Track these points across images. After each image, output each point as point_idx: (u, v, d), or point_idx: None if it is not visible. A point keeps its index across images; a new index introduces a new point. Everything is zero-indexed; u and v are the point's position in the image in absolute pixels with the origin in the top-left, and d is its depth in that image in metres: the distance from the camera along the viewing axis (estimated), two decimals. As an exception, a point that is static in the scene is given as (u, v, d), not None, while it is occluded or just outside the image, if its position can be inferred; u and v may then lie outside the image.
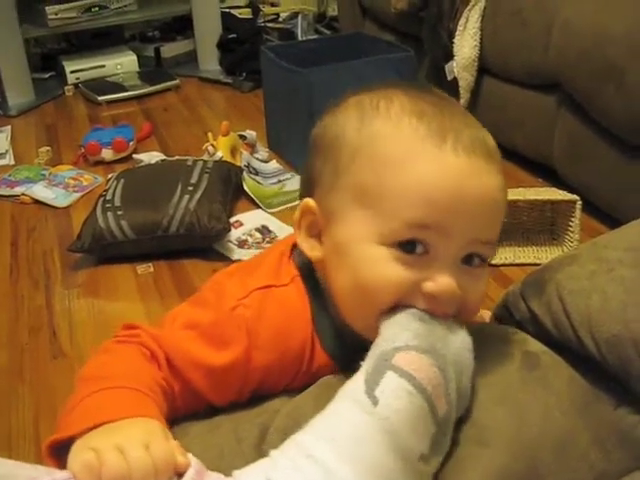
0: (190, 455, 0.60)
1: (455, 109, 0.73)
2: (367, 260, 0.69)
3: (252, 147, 2.63)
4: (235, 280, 0.78)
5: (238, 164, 2.46)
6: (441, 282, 0.67)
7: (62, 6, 3.42)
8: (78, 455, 0.59)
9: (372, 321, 0.69)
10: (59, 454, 0.61)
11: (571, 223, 1.90)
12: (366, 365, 0.62)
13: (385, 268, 0.68)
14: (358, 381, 0.61)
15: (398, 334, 0.64)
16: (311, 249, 0.74)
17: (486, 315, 0.90)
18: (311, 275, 0.76)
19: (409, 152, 0.68)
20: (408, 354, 0.62)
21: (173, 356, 0.70)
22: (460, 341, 0.67)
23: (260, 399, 0.71)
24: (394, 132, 0.69)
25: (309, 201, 0.74)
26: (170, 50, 3.78)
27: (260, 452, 0.61)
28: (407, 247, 0.67)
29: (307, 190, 0.76)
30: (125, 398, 0.64)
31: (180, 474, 0.58)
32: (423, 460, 0.59)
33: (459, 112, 0.73)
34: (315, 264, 0.76)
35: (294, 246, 0.79)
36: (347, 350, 0.73)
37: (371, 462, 0.56)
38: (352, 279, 0.70)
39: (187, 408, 0.71)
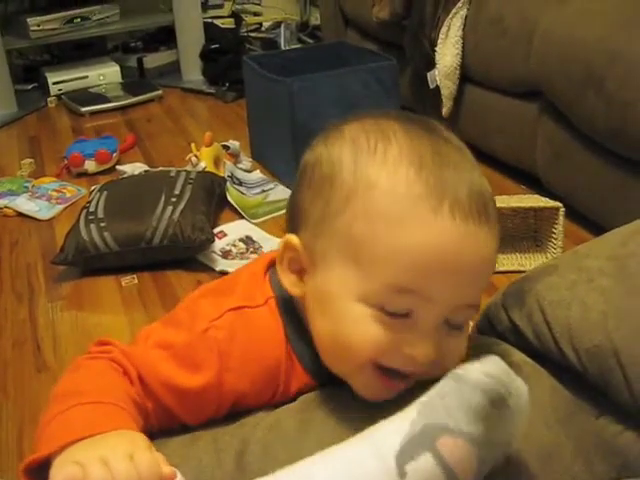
0: (175, 469, 0.59)
1: (453, 151, 0.70)
2: (347, 317, 0.67)
3: (235, 157, 2.63)
4: (209, 300, 0.77)
5: (222, 174, 2.45)
6: (419, 351, 0.66)
7: (44, 17, 3.41)
8: (61, 469, 0.58)
9: (348, 371, 0.69)
10: (39, 475, 0.60)
11: (554, 230, 1.90)
12: (411, 423, 0.58)
13: (365, 327, 0.66)
14: (391, 441, 0.57)
15: (455, 411, 0.58)
16: (292, 285, 0.73)
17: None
18: (287, 298, 0.75)
19: (404, 213, 0.65)
20: (455, 441, 0.57)
21: (145, 375, 0.69)
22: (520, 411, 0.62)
23: (240, 412, 0.71)
24: (390, 186, 0.65)
25: (292, 238, 0.72)
26: (153, 61, 3.78)
27: (240, 465, 0.61)
28: (390, 310, 0.66)
29: (293, 222, 0.74)
30: (103, 412, 0.63)
31: None
32: None
33: (456, 154, 0.70)
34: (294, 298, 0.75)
35: (271, 264, 0.78)
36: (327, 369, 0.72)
37: None
38: (331, 331, 0.69)
39: (161, 425, 0.70)
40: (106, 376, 0.68)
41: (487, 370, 0.60)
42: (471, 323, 0.72)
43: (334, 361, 0.71)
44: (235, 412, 0.72)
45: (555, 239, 1.91)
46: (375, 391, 0.69)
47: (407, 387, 0.68)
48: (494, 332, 0.79)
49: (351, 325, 0.67)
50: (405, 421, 0.58)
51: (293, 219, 0.74)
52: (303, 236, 0.71)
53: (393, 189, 0.65)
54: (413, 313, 0.66)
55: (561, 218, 1.88)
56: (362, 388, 0.69)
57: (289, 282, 0.73)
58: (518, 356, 0.74)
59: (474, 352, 0.74)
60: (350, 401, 0.68)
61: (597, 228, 1.92)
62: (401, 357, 0.66)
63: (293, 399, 0.73)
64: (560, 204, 1.89)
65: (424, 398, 0.60)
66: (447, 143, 0.71)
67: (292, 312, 0.74)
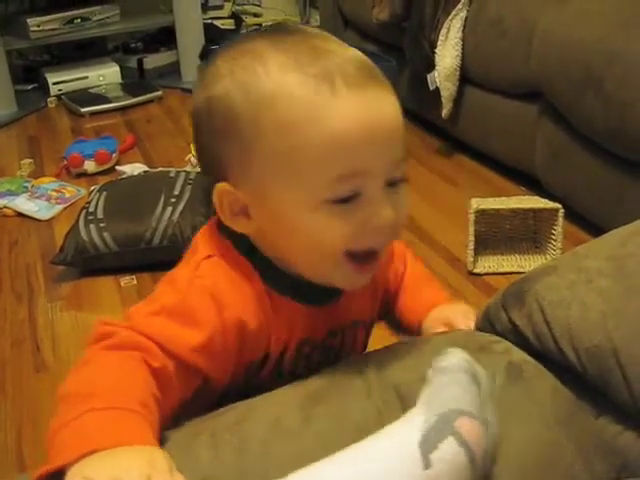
0: None
1: (323, 40, 0.73)
2: (310, 226, 0.71)
3: (235, 158, 2.62)
4: (178, 267, 0.79)
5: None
6: (384, 215, 0.70)
7: (44, 18, 3.41)
8: None
9: (326, 272, 0.74)
10: None
11: (554, 231, 1.91)
12: (424, 416, 0.59)
13: (328, 226, 0.70)
14: (413, 430, 0.57)
15: (462, 396, 0.61)
16: (240, 226, 0.75)
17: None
18: (243, 242, 0.77)
19: (307, 110, 0.68)
20: (471, 422, 0.59)
21: (156, 339, 0.68)
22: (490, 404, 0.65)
23: (240, 405, 0.71)
24: (285, 95, 0.69)
25: (223, 186, 0.74)
26: (153, 61, 3.78)
27: (240, 461, 0.61)
28: (339, 201, 0.69)
29: (214, 172, 0.76)
30: (118, 421, 0.60)
31: None
32: None
33: (327, 41, 0.74)
34: (250, 236, 0.77)
35: (218, 223, 0.79)
36: (305, 289, 0.77)
37: None
38: (299, 244, 0.73)
39: (186, 390, 0.71)
40: (121, 371, 0.66)
41: (462, 356, 0.65)
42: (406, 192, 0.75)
43: (312, 269, 0.75)
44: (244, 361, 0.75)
45: (554, 240, 1.91)
46: (354, 279, 0.75)
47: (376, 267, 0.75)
48: (494, 332, 0.79)
49: (316, 231, 0.71)
50: (417, 417, 0.59)
51: (214, 169, 0.76)
52: (234, 181, 0.74)
53: (289, 94, 0.68)
54: (363, 191, 0.69)
55: (560, 219, 1.88)
56: (342, 281, 0.75)
57: (238, 225, 0.75)
58: (519, 355, 0.74)
59: (475, 350, 0.74)
60: (350, 397, 0.68)
61: (596, 229, 1.92)
62: (369, 233, 0.71)
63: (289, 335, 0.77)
64: (559, 205, 1.89)
65: (425, 398, 0.61)
66: (310, 35, 0.74)
67: (253, 253, 0.77)
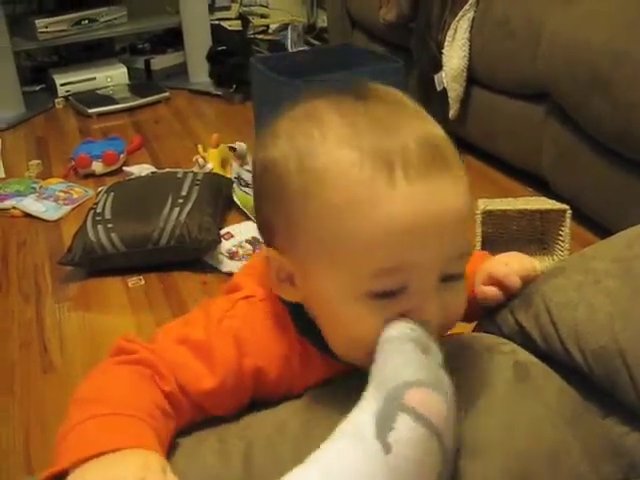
0: None
1: (389, 111, 0.67)
2: (348, 315, 0.66)
3: (242, 159, 2.63)
4: (220, 297, 0.78)
5: (228, 176, 2.46)
6: (428, 311, 0.65)
7: (52, 19, 3.42)
8: None
9: (366, 362, 0.65)
10: None
11: (561, 232, 1.90)
12: (374, 399, 0.58)
13: (368, 321, 0.65)
14: (366, 419, 0.56)
15: (404, 366, 0.59)
16: (287, 294, 0.72)
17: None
18: None
19: (360, 196, 0.63)
20: (420, 391, 0.57)
21: (173, 371, 0.69)
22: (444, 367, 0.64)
23: (246, 413, 0.71)
24: (337, 174, 0.64)
25: (270, 252, 0.71)
26: (160, 62, 3.79)
27: (246, 466, 0.61)
28: (382, 295, 0.65)
29: (265, 234, 0.74)
30: (120, 426, 0.62)
31: None
32: None
33: (393, 113, 0.67)
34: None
35: None
36: None
37: None
38: (335, 330, 0.69)
39: (196, 418, 0.70)
40: (131, 384, 0.66)
41: (407, 325, 0.63)
42: (465, 285, 0.70)
43: (350, 356, 0.70)
44: (258, 400, 0.73)
45: (562, 241, 1.90)
46: None
47: None
48: (500, 335, 0.79)
49: (355, 322, 0.66)
50: (367, 401, 0.58)
51: (264, 232, 0.73)
52: (280, 247, 0.70)
53: (342, 176, 0.63)
54: (409, 284, 0.64)
55: (568, 220, 1.88)
56: None
57: (283, 292, 0.72)
58: (525, 356, 0.74)
59: (482, 351, 0.74)
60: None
61: (603, 230, 1.92)
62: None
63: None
64: (567, 206, 1.89)
65: (371, 378, 0.60)
66: (381, 104, 0.68)
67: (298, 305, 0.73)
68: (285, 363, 0.72)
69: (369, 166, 0.62)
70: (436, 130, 0.67)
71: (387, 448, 0.54)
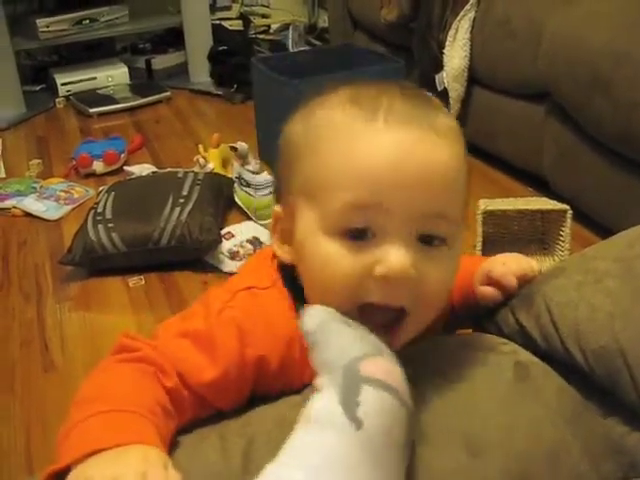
0: None
1: (409, 96, 0.69)
2: (319, 255, 0.68)
3: (243, 158, 2.63)
4: (219, 288, 0.78)
5: (229, 176, 2.46)
6: (392, 259, 0.64)
7: (53, 19, 3.42)
8: None
9: (338, 307, 0.67)
10: None
11: (562, 232, 1.90)
12: (330, 383, 0.58)
13: (335, 259, 0.66)
14: (332, 402, 0.57)
15: (347, 344, 0.61)
16: (284, 253, 0.74)
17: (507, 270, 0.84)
18: (293, 278, 0.75)
19: (338, 134, 0.67)
20: (371, 361, 0.59)
21: (175, 365, 0.69)
22: None
23: (246, 409, 0.71)
24: (327, 119, 0.69)
25: (276, 207, 0.75)
26: (161, 62, 3.79)
27: (247, 462, 0.61)
28: (354, 234, 0.66)
29: (277, 194, 0.77)
30: (122, 422, 0.62)
31: None
32: (402, 461, 0.59)
33: (411, 98, 0.69)
34: (295, 268, 0.75)
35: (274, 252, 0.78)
36: None
37: None
38: (312, 277, 0.70)
39: (198, 414, 0.71)
40: (133, 381, 0.67)
41: (321, 309, 0.65)
42: (454, 259, 0.70)
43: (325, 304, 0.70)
44: (258, 393, 0.73)
45: (562, 242, 1.90)
46: None
47: (405, 334, 0.68)
48: (501, 334, 0.79)
49: (323, 261, 0.67)
50: (325, 388, 0.58)
51: (277, 192, 0.77)
52: (282, 203, 0.74)
53: (330, 119, 0.68)
54: (378, 230, 0.65)
55: (568, 221, 1.88)
56: None
57: (282, 252, 0.74)
58: (526, 355, 0.74)
59: (482, 351, 0.74)
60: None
61: (604, 230, 1.92)
62: (376, 284, 0.65)
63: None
64: (567, 207, 1.89)
65: (320, 363, 0.61)
66: (405, 95, 0.70)
67: (300, 291, 0.74)
68: (286, 352, 0.73)
69: (355, 112, 0.66)
70: (447, 119, 0.70)
71: (358, 423, 0.55)
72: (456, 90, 2.51)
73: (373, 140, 0.65)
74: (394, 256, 0.64)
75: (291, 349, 0.73)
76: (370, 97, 0.68)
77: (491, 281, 0.83)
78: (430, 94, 0.76)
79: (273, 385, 0.74)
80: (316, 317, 0.64)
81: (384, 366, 0.59)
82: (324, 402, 0.57)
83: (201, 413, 0.71)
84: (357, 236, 0.65)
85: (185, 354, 0.70)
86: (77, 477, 0.58)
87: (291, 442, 0.57)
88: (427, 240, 0.66)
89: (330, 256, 0.66)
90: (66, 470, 0.59)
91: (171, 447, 0.65)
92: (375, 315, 0.67)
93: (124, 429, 0.61)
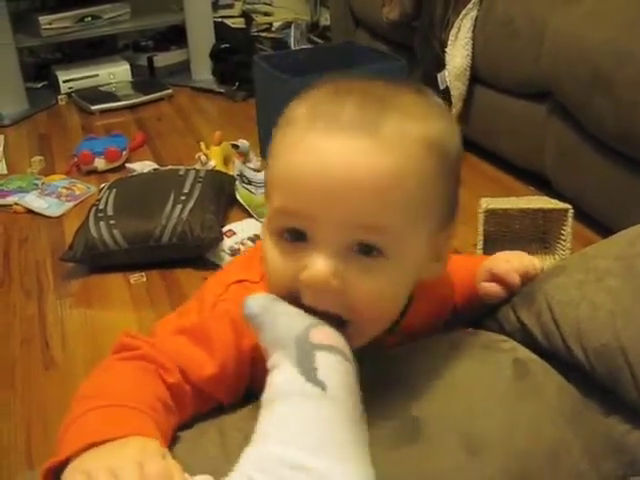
0: (188, 476, 0.58)
1: (373, 99, 0.67)
2: (264, 253, 0.70)
3: (245, 156, 2.63)
4: (211, 282, 0.79)
5: (231, 173, 2.46)
6: (313, 268, 0.64)
7: (55, 16, 3.42)
8: (70, 478, 0.57)
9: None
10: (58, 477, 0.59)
11: (563, 232, 1.90)
12: (285, 357, 0.61)
13: (274, 260, 0.68)
14: (291, 373, 0.59)
15: (291, 320, 0.64)
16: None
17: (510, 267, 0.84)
18: None
19: (289, 138, 0.67)
20: (318, 330, 0.62)
21: (175, 361, 0.70)
22: None
23: (244, 405, 0.72)
24: (288, 120, 0.69)
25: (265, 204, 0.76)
26: (163, 60, 3.79)
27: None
28: (288, 236, 0.67)
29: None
30: (120, 416, 0.62)
31: None
32: (363, 416, 0.61)
33: (374, 102, 0.66)
34: None
35: None
36: None
37: (344, 442, 0.57)
38: (267, 275, 0.71)
39: (200, 409, 0.72)
40: (133, 379, 0.67)
41: (259, 296, 0.67)
42: (397, 272, 0.67)
43: None
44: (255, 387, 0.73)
45: (564, 241, 1.90)
46: None
47: (352, 341, 0.67)
48: (502, 332, 0.79)
49: (266, 260, 0.69)
50: (281, 363, 0.61)
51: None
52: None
53: (290, 119, 0.68)
54: (309, 236, 0.65)
55: (570, 220, 1.87)
56: None
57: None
58: (525, 353, 0.74)
59: (481, 348, 0.74)
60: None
61: (605, 229, 1.92)
62: (305, 287, 0.66)
63: None
64: (569, 206, 1.89)
65: (270, 342, 0.64)
66: (379, 91, 0.69)
67: None
68: None
69: (309, 112, 0.66)
70: (400, 122, 0.65)
71: (322, 386, 0.58)
72: (458, 89, 2.51)
73: (307, 148, 0.64)
74: (316, 265, 0.64)
75: None
76: (329, 99, 0.67)
77: (494, 278, 0.84)
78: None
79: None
80: (258, 300, 0.67)
81: (328, 333, 0.63)
82: (284, 375, 0.60)
83: (202, 407, 0.72)
84: (296, 237, 0.66)
85: (183, 350, 0.71)
86: (75, 470, 0.58)
87: (262, 421, 0.59)
88: (365, 250, 0.65)
89: (270, 256, 0.68)
90: (65, 464, 0.59)
91: (172, 442, 0.65)
92: (320, 318, 0.66)
93: (123, 423, 0.61)
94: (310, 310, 0.66)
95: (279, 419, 0.58)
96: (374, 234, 0.65)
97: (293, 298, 0.67)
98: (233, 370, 0.72)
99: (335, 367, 0.60)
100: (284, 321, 0.64)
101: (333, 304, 0.66)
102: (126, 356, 0.70)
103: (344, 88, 0.68)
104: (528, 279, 0.82)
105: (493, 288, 0.83)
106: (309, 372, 0.59)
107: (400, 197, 0.64)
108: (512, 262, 0.84)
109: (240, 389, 0.74)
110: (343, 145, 0.63)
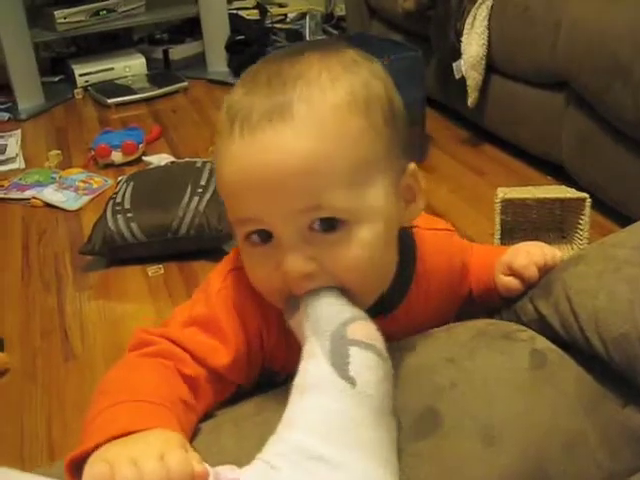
0: (208, 467, 0.58)
1: (277, 82, 0.67)
2: (245, 264, 0.72)
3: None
4: (215, 271, 0.81)
5: (247, 165, 2.46)
6: (285, 263, 0.67)
7: (71, 10, 3.43)
8: (92, 468, 0.57)
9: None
10: (81, 472, 0.59)
11: (580, 221, 1.89)
12: (319, 348, 0.61)
13: (252, 264, 0.71)
14: (323, 366, 0.60)
15: (334, 311, 0.65)
16: None
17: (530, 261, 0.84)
18: None
19: (216, 151, 0.69)
20: (357, 324, 0.63)
21: (190, 351, 0.71)
22: None
23: (260, 396, 0.73)
24: (216, 135, 0.70)
25: None
26: (178, 52, 3.79)
27: (261, 447, 0.62)
28: (257, 238, 0.68)
29: None
30: (143, 411, 0.63)
31: None
32: (393, 414, 0.61)
33: (277, 86, 0.67)
34: None
35: None
36: None
37: (367, 440, 0.57)
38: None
39: (220, 397, 0.73)
40: (155, 375, 0.68)
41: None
42: (369, 233, 0.68)
43: (273, 303, 0.73)
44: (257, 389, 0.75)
45: (581, 230, 1.89)
46: None
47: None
48: (520, 323, 0.79)
49: (250, 272, 0.72)
50: (314, 354, 0.62)
51: None
52: None
53: (216, 132, 0.70)
54: (272, 233, 0.67)
55: (587, 209, 1.86)
56: None
57: None
58: (544, 343, 0.73)
59: (499, 338, 0.74)
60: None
61: (623, 219, 1.91)
62: (288, 279, 0.67)
63: None
64: (586, 195, 1.87)
65: (309, 331, 0.64)
66: (304, 61, 0.69)
67: None
68: (280, 323, 0.74)
69: (224, 123, 0.68)
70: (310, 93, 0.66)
71: (352, 382, 0.59)
72: (474, 78, 2.49)
73: (233, 159, 0.66)
74: (287, 262, 0.66)
75: (284, 326, 0.74)
76: (240, 98, 0.68)
77: (513, 272, 0.83)
78: (340, 47, 0.77)
79: (275, 359, 0.77)
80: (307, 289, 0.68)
81: (367, 329, 0.63)
82: (316, 367, 0.61)
83: (223, 393, 0.74)
84: (264, 238, 0.68)
85: (197, 340, 0.72)
86: (97, 459, 0.58)
87: (290, 409, 0.60)
88: (328, 226, 0.66)
89: (248, 265, 0.71)
90: (88, 455, 0.60)
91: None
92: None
93: (146, 417, 0.62)
94: None
95: (305, 410, 0.59)
96: (321, 212, 0.66)
97: (286, 294, 0.69)
98: (246, 354, 0.74)
99: (367, 364, 0.60)
100: (327, 312, 0.65)
101: (321, 283, 0.67)
102: (144, 352, 0.71)
103: (254, 79, 0.69)
104: (547, 271, 0.82)
105: (511, 283, 0.84)
106: (341, 367, 0.59)
107: (331, 170, 0.65)
108: (532, 255, 0.83)
109: (256, 370, 0.76)
110: (261, 144, 0.64)
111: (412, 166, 0.74)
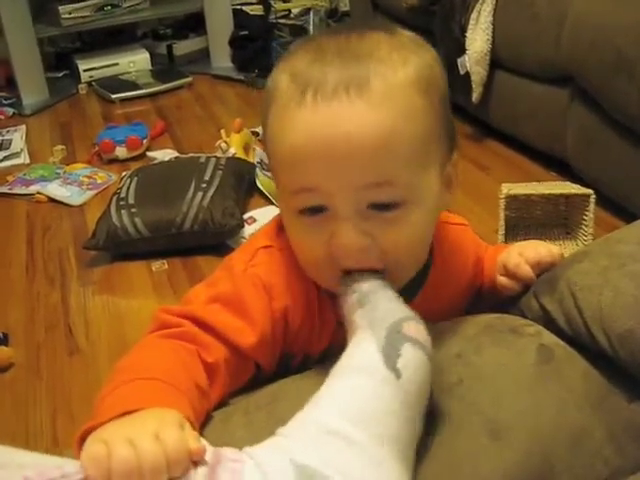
0: (205, 443, 0.58)
1: (350, 56, 0.68)
2: (291, 234, 0.73)
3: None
4: (237, 251, 0.81)
5: (251, 160, 2.46)
6: (340, 237, 0.68)
7: (75, 5, 3.44)
8: (89, 448, 0.57)
9: (330, 284, 0.72)
10: None
11: (585, 217, 1.89)
12: (373, 337, 0.62)
13: (302, 239, 0.71)
14: (372, 353, 0.61)
15: (394, 307, 0.66)
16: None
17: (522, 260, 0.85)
18: None
19: (280, 119, 0.69)
20: (412, 323, 0.63)
21: (214, 329, 0.71)
22: None
23: (272, 386, 0.73)
24: (274, 87, 0.70)
25: None
26: (182, 48, 3.79)
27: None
28: (308, 212, 0.69)
29: None
30: (153, 389, 0.63)
31: (197, 462, 0.57)
32: (422, 417, 0.62)
33: (350, 59, 0.67)
34: None
35: None
36: None
37: (392, 432, 0.58)
38: (299, 259, 0.74)
39: (239, 382, 0.73)
40: (173, 357, 0.68)
41: (374, 276, 0.69)
42: (421, 215, 0.70)
43: (322, 284, 0.75)
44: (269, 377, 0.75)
45: (586, 226, 1.89)
46: None
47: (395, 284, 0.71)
48: (525, 319, 0.79)
49: (294, 240, 0.72)
50: (367, 340, 0.62)
51: None
52: None
53: (275, 87, 0.70)
54: (329, 206, 0.68)
55: (592, 205, 1.86)
56: None
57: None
58: (550, 338, 0.73)
59: (506, 332, 0.74)
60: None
61: (628, 215, 1.90)
62: (338, 252, 0.69)
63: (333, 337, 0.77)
64: (591, 191, 1.87)
65: (365, 322, 0.65)
66: (365, 38, 0.70)
67: None
68: (307, 306, 0.76)
69: (291, 91, 0.67)
70: (386, 72, 0.67)
71: (398, 374, 0.60)
72: (478, 74, 2.49)
73: (303, 127, 0.66)
74: (342, 233, 0.68)
75: (310, 308, 0.76)
76: (309, 67, 0.68)
77: (507, 272, 0.84)
78: (401, 30, 0.76)
79: (295, 342, 0.77)
80: (371, 280, 0.69)
81: (421, 329, 0.64)
82: (365, 353, 0.62)
83: (237, 383, 0.73)
84: (317, 210, 0.69)
85: (221, 319, 0.72)
86: (94, 439, 0.58)
87: (324, 388, 0.61)
88: (382, 207, 0.68)
89: (297, 235, 0.72)
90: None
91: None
92: (357, 276, 0.70)
93: (153, 395, 0.62)
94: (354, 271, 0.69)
95: (339, 390, 0.60)
96: (387, 189, 0.67)
97: (334, 266, 0.70)
98: (271, 334, 0.74)
99: (416, 362, 0.61)
100: (385, 306, 0.66)
101: (369, 260, 0.69)
102: (166, 334, 0.71)
103: (320, 50, 0.69)
104: (543, 269, 0.82)
105: (507, 282, 0.85)
106: (391, 357, 0.60)
107: (401, 147, 0.66)
108: (525, 254, 0.84)
109: (277, 352, 0.76)
110: (335, 114, 0.65)
111: (456, 156, 0.76)
